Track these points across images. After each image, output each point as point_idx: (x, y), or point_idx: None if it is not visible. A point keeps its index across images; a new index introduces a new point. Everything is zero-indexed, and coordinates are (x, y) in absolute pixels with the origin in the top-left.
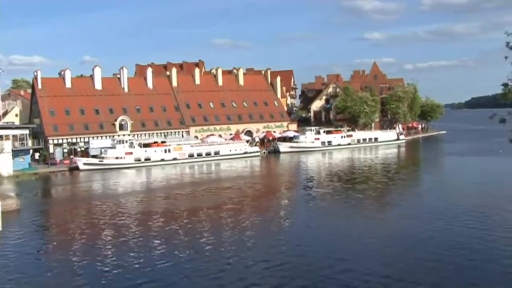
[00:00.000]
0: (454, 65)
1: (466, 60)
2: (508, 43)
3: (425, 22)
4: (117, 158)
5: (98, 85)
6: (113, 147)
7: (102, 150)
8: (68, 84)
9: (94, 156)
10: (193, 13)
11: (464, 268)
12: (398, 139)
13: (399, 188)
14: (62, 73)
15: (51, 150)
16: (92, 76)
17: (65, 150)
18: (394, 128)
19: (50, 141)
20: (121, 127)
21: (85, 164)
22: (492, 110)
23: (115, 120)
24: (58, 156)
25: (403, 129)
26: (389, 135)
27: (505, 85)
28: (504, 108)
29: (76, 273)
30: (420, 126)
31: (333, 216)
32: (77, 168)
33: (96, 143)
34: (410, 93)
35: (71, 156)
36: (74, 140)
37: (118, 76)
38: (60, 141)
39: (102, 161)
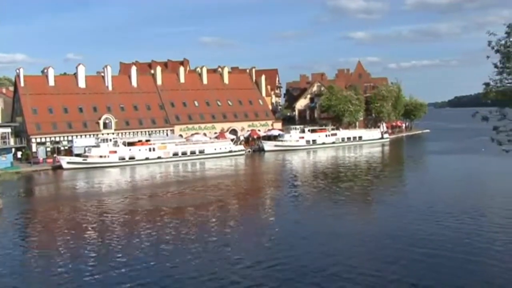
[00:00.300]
0: (437, 64)
1: (449, 60)
2: (490, 43)
3: (408, 21)
4: (101, 156)
5: (81, 83)
6: (97, 146)
7: (86, 148)
8: (51, 82)
9: (77, 155)
10: (177, 11)
11: (451, 264)
12: (382, 137)
13: (385, 186)
14: (45, 71)
15: (34, 149)
16: (75, 74)
17: (48, 149)
18: (379, 127)
19: (33, 140)
20: (105, 126)
21: (68, 163)
22: (475, 109)
23: (99, 119)
24: (41, 155)
25: (387, 127)
26: (374, 133)
27: (487, 84)
28: (486, 107)
29: (58, 272)
30: (404, 125)
31: (321, 215)
32: (60, 167)
33: (80, 142)
34: (394, 92)
35: (54, 155)
36: (57, 139)
37: (102, 74)
38: (43, 140)
39: (86, 160)
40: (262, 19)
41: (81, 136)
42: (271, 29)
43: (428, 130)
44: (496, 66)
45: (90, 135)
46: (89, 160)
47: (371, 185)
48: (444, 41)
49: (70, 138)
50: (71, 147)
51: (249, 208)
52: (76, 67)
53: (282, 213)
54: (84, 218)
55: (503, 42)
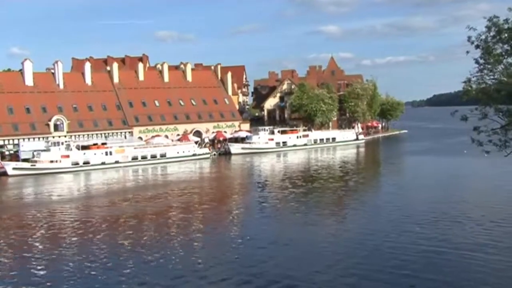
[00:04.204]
0: (414, 60)
1: (427, 56)
2: (469, 38)
3: (381, 15)
4: (52, 161)
5: (29, 81)
6: (47, 150)
7: (35, 153)
8: None
9: (25, 160)
10: (135, 2)
11: (429, 276)
12: (357, 139)
13: (359, 191)
14: None
15: None
16: (21, 71)
17: None
18: (353, 128)
19: None
20: (56, 128)
21: (14, 168)
22: (455, 107)
23: (49, 120)
24: None
25: (362, 128)
26: (348, 135)
27: (468, 80)
28: (467, 105)
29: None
30: (380, 125)
31: (291, 223)
32: (5, 173)
33: (28, 146)
34: (369, 90)
35: None
36: (1, 142)
37: (52, 71)
38: None
39: (34, 165)
40: (221, 12)
41: (28, 139)
42: (233, 22)
43: (405, 131)
44: (477, 62)
45: (39, 138)
46: (38, 165)
47: (345, 190)
48: (420, 36)
49: (16, 141)
50: (17, 151)
51: (214, 216)
52: (22, 63)
53: (249, 222)
54: (31, 230)
55: (483, 37)
